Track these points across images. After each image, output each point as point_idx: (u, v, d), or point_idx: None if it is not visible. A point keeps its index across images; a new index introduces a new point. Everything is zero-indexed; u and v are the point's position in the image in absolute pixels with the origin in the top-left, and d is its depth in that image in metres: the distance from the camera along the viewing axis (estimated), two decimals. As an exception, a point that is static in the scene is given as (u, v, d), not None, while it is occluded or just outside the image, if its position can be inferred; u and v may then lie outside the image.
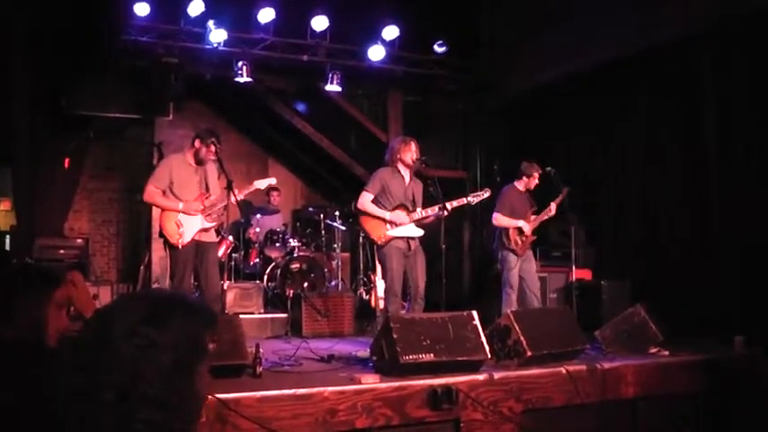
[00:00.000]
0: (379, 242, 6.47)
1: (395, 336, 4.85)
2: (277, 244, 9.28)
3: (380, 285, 7.35)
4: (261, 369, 4.89)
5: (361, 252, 9.41)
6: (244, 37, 8.93)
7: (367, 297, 8.77)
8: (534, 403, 5.11)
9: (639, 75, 8.34)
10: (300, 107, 10.93)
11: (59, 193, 9.68)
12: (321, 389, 4.46)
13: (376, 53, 9.35)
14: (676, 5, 7.64)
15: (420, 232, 6.53)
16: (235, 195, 6.22)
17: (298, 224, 10.22)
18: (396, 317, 5.29)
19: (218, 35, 8.53)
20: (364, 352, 5.69)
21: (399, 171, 6.58)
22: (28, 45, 7.78)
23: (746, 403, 5.93)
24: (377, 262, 7.56)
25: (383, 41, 9.36)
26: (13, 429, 2.19)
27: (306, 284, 8.62)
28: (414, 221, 6.47)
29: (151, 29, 8.56)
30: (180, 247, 6.15)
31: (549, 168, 7.51)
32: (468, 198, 6.73)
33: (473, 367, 5.07)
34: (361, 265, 9.42)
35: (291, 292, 8.17)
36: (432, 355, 4.90)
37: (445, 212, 6.40)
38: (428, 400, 4.68)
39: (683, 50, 7.80)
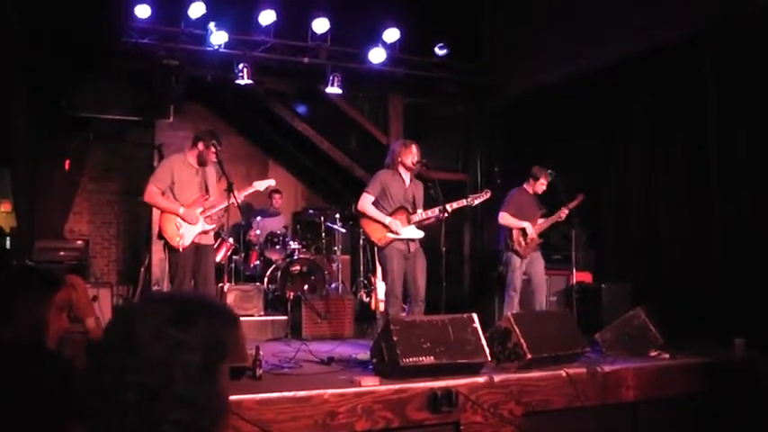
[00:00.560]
0: (379, 244, 6.47)
1: (395, 338, 4.84)
2: (277, 246, 9.28)
3: (381, 288, 7.35)
4: (261, 371, 4.89)
5: (361, 254, 9.41)
6: (244, 39, 8.93)
7: (367, 299, 8.76)
8: (534, 406, 5.11)
9: (641, 76, 8.33)
10: (301, 109, 10.94)
11: (59, 195, 9.68)
12: (321, 391, 4.45)
13: (377, 55, 9.35)
14: (678, 6, 7.64)
15: (420, 234, 6.52)
16: (235, 197, 6.20)
17: (298, 226, 10.22)
18: (396, 319, 5.29)
19: (218, 37, 8.53)
20: (364, 354, 5.69)
21: (400, 173, 6.58)
22: (28, 46, 7.78)
23: (746, 406, 5.92)
24: (377, 264, 7.55)
25: (384, 44, 9.36)
26: (13, 428, 2.19)
27: (306, 287, 8.62)
28: (414, 223, 6.47)
29: (152, 31, 8.56)
30: (181, 249, 6.14)
31: (549, 171, 7.51)
32: (468, 199, 6.72)
33: (473, 370, 5.07)
34: (362, 267, 9.41)
35: (292, 294, 8.18)
36: (432, 357, 4.90)
37: (445, 214, 6.40)
38: (428, 402, 4.68)
39: (684, 51, 7.79)
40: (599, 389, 5.35)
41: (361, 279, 9.29)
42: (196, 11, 8.46)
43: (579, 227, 7.64)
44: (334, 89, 9.39)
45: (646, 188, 8.42)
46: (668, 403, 5.68)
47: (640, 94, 8.48)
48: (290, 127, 10.64)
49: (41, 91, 8.53)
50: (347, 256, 10.06)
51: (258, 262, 9.40)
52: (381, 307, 7.31)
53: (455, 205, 6.52)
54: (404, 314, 6.45)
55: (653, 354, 6.09)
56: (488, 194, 6.83)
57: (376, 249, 6.78)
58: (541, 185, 7.52)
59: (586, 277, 8.23)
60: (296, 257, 8.97)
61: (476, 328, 5.21)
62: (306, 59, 9.24)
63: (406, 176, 6.60)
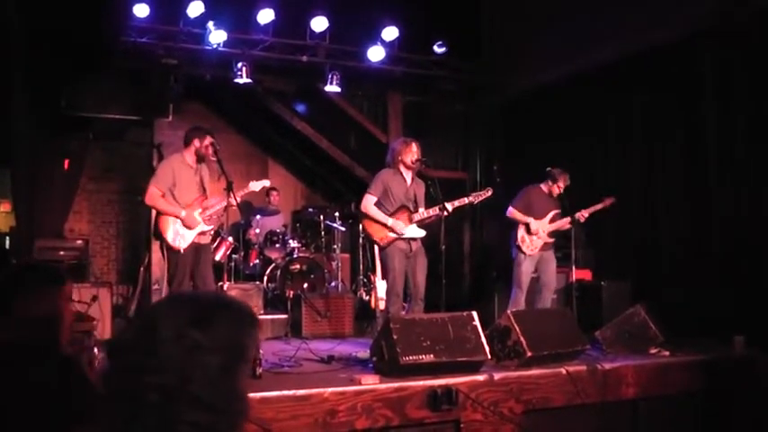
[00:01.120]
0: (381, 243, 6.48)
1: (395, 336, 4.85)
2: (277, 245, 9.28)
3: (380, 286, 7.35)
4: (261, 370, 4.89)
5: (360, 253, 9.41)
6: (243, 38, 8.93)
7: (367, 298, 8.76)
8: (534, 404, 5.11)
9: (640, 75, 8.33)
10: (300, 108, 10.93)
11: (59, 195, 9.68)
12: (321, 390, 4.46)
13: (375, 54, 9.35)
14: (677, 5, 7.64)
15: (422, 233, 6.52)
16: (234, 197, 6.20)
17: (298, 225, 10.22)
18: (396, 317, 5.29)
19: (217, 36, 8.53)
20: (364, 353, 5.69)
21: (401, 172, 6.58)
22: (28, 46, 7.78)
23: (746, 403, 5.93)
24: (377, 263, 7.56)
25: (383, 42, 9.36)
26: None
27: (306, 285, 8.61)
28: (415, 222, 6.47)
29: (151, 30, 8.56)
30: (181, 251, 6.15)
31: (549, 169, 7.50)
32: (470, 197, 6.71)
33: (473, 368, 5.07)
34: (361, 265, 9.42)
35: (291, 292, 8.17)
36: (432, 355, 4.90)
37: (446, 213, 6.40)
38: (428, 400, 4.68)
39: (683, 50, 7.79)
40: (599, 386, 5.35)
41: (361, 277, 9.29)
42: (195, 10, 8.46)
43: (579, 224, 7.63)
44: (332, 88, 9.39)
45: (645, 186, 8.42)
46: (668, 401, 5.69)
47: (639, 93, 8.48)
48: (289, 126, 10.63)
49: (41, 91, 8.53)
50: (347, 255, 10.05)
51: (258, 261, 9.39)
52: (381, 305, 7.31)
53: (457, 203, 6.51)
54: (403, 312, 6.45)
55: (653, 351, 6.09)
56: (490, 192, 6.80)
57: (377, 248, 6.78)
58: (559, 188, 7.45)
59: (586, 275, 8.23)
60: (295, 256, 8.97)
61: (475, 326, 5.21)
62: (304, 58, 9.24)
63: (407, 175, 6.59)
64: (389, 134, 10.27)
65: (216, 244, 8.18)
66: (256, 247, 9.43)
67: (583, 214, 7.38)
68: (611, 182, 8.76)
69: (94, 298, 7.15)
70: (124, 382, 1.28)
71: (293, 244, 9.13)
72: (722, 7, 7.26)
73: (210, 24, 8.50)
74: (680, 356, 5.96)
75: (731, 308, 6.90)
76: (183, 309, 1.33)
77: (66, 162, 9.81)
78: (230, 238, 8.82)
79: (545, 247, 7.42)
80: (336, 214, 9.51)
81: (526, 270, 7.35)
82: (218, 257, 8.30)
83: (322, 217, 9.67)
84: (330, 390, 4.48)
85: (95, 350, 5.37)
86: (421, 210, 6.52)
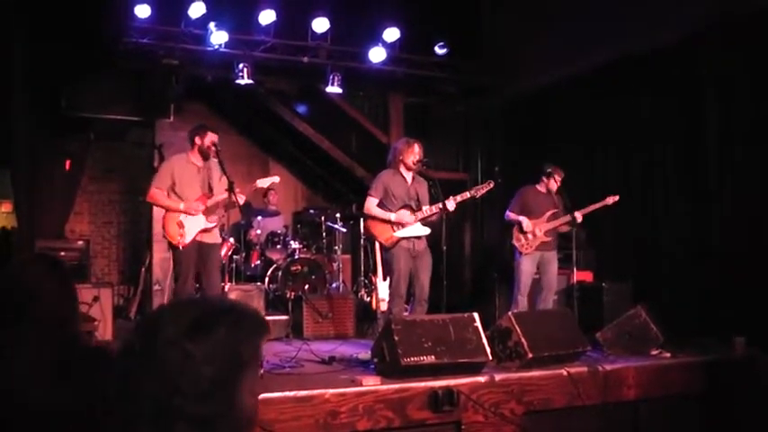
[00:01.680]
0: (386, 244, 6.47)
1: (396, 338, 4.85)
2: (278, 246, 9.29)
3: (381, 287, 7.35)
4: (262, 371, 4.89)
5: (362, 254, 9.41)
6: (245, 39, 8.92)
7: (368, 299, 8.76)
8: (535, 405, 5.12)
9: (641, 76, 8.34)
10: (301, 109, 10.94)
11: (60, 195, 9.68)
12: (322, 391, 4.46)
13: (377, 55, 9.35)
14: (678, 7, 7.64)
15: (426, 231, 6.51)
16: (236, 197, 6.20)
17: (299, 226, 10.22)
18: (397, 319, 5.30)
19: (218, 37, 8.53)
20: (365, 354, 5.69)
21: (401, 172, 6.58)
22: (28, 46, 7.78)
23: (747, 404, 5.93)
24: (378, 264, 7.55)
25: (384, 43, 9.35)
26: None
27: (307, 286, 8.61)
28: (419, 220, 6.46)
29: (152, 31, 8.56)
30: (180, 247, 6.17)
31: (542, 167, 7.49)
32: (472, 191, 6.68)
33: (474, 369, 5.07)
34: (363, 266, 9.41)
35: (292, 293, 8.18)
36: (433, 356, 4.90)
37: (449, 208, 6.38)
38: (429, 402, 4.69)
39: (684, 52, 7.80)
40: (600, 388, 5.36)
41: (362, 278, 9.29)
42: (196, 10, 8.46)
43: (580, 226, 7.63)
44: (334, 89, 9.39)
45: (646, 187, 8.42)
46: (669, 402, 5.69)
47: (640, 94, 8.47)
48: (291, 126, 10.64)
49: (42, 91, 8.54)
50: (348, 256, 10.06)
51: (259, 262, 9.40)
52: (382, 306, 7.31)
53: (459, 198, 6.49)
54: (406, 313, 6.46)
55: (654, 352, 6.09)
56: (491, 185, 6.75)
57: (381, 249, 6.78)
58: (555, 183, 7.42)
59: (587, 276, 8.23)
60: (297, 257, 8.97)
61: (477, 327, 5.22)
62: (306, 59, 9.24)
63: (408, 175, 6.59)
64: (390, 135, 10.27)
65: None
66: (257, 248, 9.44)
67: (579, 214, 7.35)
68: (612, 183, 8.75)
69: (95, 298, 7.16)
70: (124, 388, 1.28)
71: (294, 245, 9.14)
72: (723, 8, 7.26)
73: (212, 25, 8.50)
74: (681, 357, 5.97)
75: (731, 309, 6.90)
76: (182, 316, 1.30)
77: (67, 162, 9.82)
78: (231, 239, 8.82)
79: (545, 246, 7.37)
80: (337, 215, 9.51)
81: (526, 270, 7.31)
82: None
83: (323, 218, 9.67)
84: (331, 391, 4.48)
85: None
86: (425, 207, 6.51)
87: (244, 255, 9.28)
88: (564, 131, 9.31)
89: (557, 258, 7.49)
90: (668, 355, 6.02)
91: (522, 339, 5.27)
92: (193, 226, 6.23)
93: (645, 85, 8.36)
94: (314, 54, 9.29)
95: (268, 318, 7.97)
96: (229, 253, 8.73)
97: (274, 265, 9.02)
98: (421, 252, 6.49)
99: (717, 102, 7.56)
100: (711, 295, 7.20)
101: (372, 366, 5.20)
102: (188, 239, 6.19)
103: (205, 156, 6.34)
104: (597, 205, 7.38)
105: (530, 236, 7.30)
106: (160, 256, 10.34)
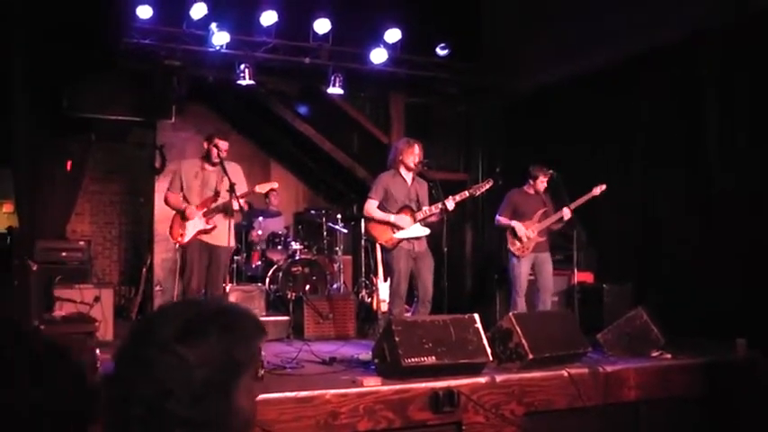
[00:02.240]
0: (387, 245, 6.48)
1: (397, 338, 4.85)
2: (279, 247, 9.29)
3: (382, 288, 7.36)
4: (263, 372, 4.90)
5: (363, 255, 9.41)
6: (246, 40, 8.93)
7: (369, 300, 8.75)
8: (536, 406, 5.11)
9: (641, 76, 8.34)
10: (302, 110, 10.94)
11: (61, 196, 9.68)
12: (323, 391, 4.47)
13: (378, 56, 9.35)
14: (678, 7, 7.64)
15: (426, 231, 6.52)
16: (237, 199, 6.27)
17: (300, 227, 10.22)
18: (398, 320, 5.30)
19: (220, 38, 8.53)
20: (366, 355, 5.69)
21: (400, 173, 6.58)
22: (29, 47, 7.79)
23: (748, 406, 5.93)
24: (379, 264, 7.55)
25: (385, 44, 9.35)
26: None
27: (308, 287, 8.61)
28: (419, 221, 6.47)
29: (153, 31, 8.56)
30: (178, 245, 6.52)
31: (551, 172, 7.50)
32: (471, 190, 6.69)
33: (475, 370, 5.07)
34: (363, 267, 9.41)
35: (293, 294, 8.18)
36: (433, 357, 4.90)
37: (449, 208, 6.38)
38: (430, 402, 4.69)
39: (684, 51, 7.80)
40: (601, 389, 5.35)
41: (363, 279, 9.29)
42: (198, 11, 8.46)
43: (580, 227, 7.64)
44: (335, 89, 9.39)
45: (646, 188, 8.42)
46: (670, 403, 5.69)
47: (640, 94, 8.48)
48: (292, 127, 10.64)
49: (43, 91, 8.54)
50: (349, 257, 10.05)
51: (260, 262, 9.40)
52: (383, 307, 7.30)
53: (458, 198, 6.50)
54: (408, 314, 6.46)
55: (654, 354, 6.09)
56: (490, 183, 6.77)
57: (382, 250, 6.78)
58: (541, 183, 7.46)
59: (588, 277, 8.23)
60: (297, 258, 8.97)
61: (477, 328, 5.22)
62: (307, 60, 9.24)
63: (408, 176, 6.60)
64: (391, 136, 10.26)
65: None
66: (258, 248, 9.44)
67: (566, 212, 7.34)
68: (612, 184, 8.75)
69: (96, 299, 7.16)
70: (116, 391, 1.27)
71: (295, 246, 9.13)
72: (723, 8, 7.26)
73: (213, 26, 8.50)
74: (681, 359, 5.96)
75: (733, 310, 6.89)
76: (176, 319, 1.29)
77: (69, 163, 9.81)
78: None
79: (538, 247, 7.37)
80: (338, 216, 9.52)
81: (522, 273, 7.33)
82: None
83: (324, 219, 9.67)
84: (332, 391, 4.49)
85: (97, 351, 5.39)
86: (424, 208, 6.51)
87: (245, 255, 9.30)
88: (564, 131, 9.30)
89: (550, 258, 7.49)
90: (669, 356, 6.02)
91: (523, 340, 5.27)
92: (192, 227, 6.46)
93: (645, 84, 8.36)
94: (315, 55, 9.29)
95: (269, 318, 8.00)
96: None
97: (275, 266, 9.02)
98: (421, 253, 6.49)
99: (717, 102, 7.56)
100: (712, 297, 7.20)
101: (373, 367, 5.20)
102: (186, 239, 6.44)
103: (208, 161, 6.52)
104: (585, 197, 7.38)
105: (524, 239, 7.31)
106: (161, 256, 10.35)
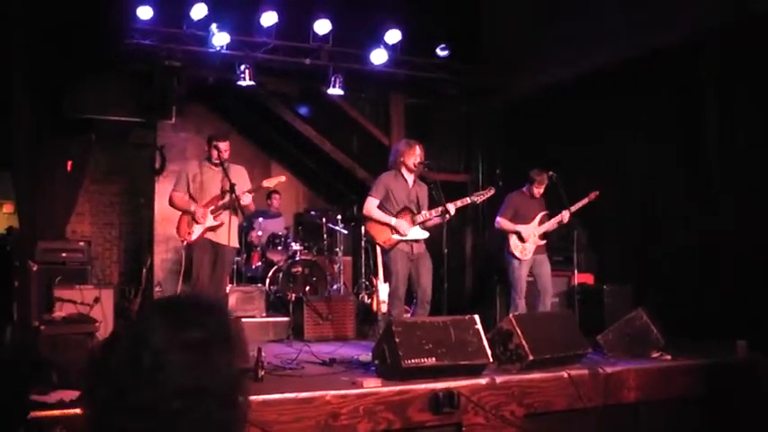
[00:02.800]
0: (385, 246, 6.48)
1: (397, 339, 4.85)
2: (279, 247, 9.29)
3: (382, 289, 7.35)
4: (263, 372, 4.90)
5: (363, 256, 9.41)
6: (246, 40, 8.93)
7: (369, 301, 8.75)
8: (536, 407, 5.11)
9: (642, 78, 8.33)
10: (303, 110, 10.94)
11: (61, 196, 9.66)
12: (323, 392, 4.46)
13: (378, 57, 9.35)
14: (679, 8, 7.65)
15: (425, 234, 6.52)
16: (238, 199, 6.31)
17: (300, 228, 10.22)
18: (398, 321, 5.29)
19: (220, 39, 8.53)
20: (366, 356, 5.69)
21: (402, 174, 6.58)
22: (29, 47, 7.78)
23: (748, 407, 5.92)
24: (379, 265, 7.55)
25: (386, 45, 9.36)
26: None
27: (308, 288, 8.62)
28: (418, 224, 6.47)
29: (154, 32, 8.57)
30: (185, 242, 6.53)
31: (550, 173, 7.50)
32: (472, 197, 6.70)
33: (475, 371, 5.07)
34: (363, 268, 9.41)
35: (293, 295, 8.18)
36: (434, 359, 4.90)
37: (448, 215, 6.39)
38: (430, 404, 4.68)
39: (685, 53, 7.80)
40: (601, 390, 5.35)
41: (363, 280, 9.29)
42: (198, 12, 8.47)
43: (581, 228, 7.64)
44: (335, 90, 9.39)
45: (647, 189, 8.42)
46: (670, 405, 5.69)
47: (641, 95, 8.47)
48: (292, 128, 10.64)
49: (43, 92, 8.53)
50: (349, 258, 10.05)
51: (260, 263, 9.40)
52: (383, 308, 7.31)
53: (459, 204, 6.51)
54: (407, 315, 6.45)
55: (654, 355, 6.09)
56: (492, 191, 6.79)
57: (381, 251, 6.79)
58: (539, 187, 7.49)
59: (588, 279, 8.24)
60: (297, 259, 8.97)
61: (477, 329, 5.22)
62: (307, 61, 9.24)
63: (409, 178, 6.60)
64: (392, 137, 10.27)
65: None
66: (258, 249, 9.44)
67: (565, 215, 7.35)
68: (613, 184, 8.76)
69: (97, 299, 7.16)
70: (90, 386, 1.28)
71: (295, 247, 9.14)
72: (723, 11, 7.26)
73: (214, 27, 8.50)
74: (681, 360, 5.96)
75: (733, 312, 6.89)
76: (163, 317, 1.30)
77: (69, 164, 9.80)
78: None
79: (537, 250, 7.44)
80: (338, 217, 9.52)
81: (522, 275, 7.39)
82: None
83: (324, 219, 9.67)
84: (332, 392, 4.48)
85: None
86: (424, 211, 6.51)
87: (245, 256, 9.30)
88: (564, 132, 9.31)
89: (548, 260, 7.52)
90: (669, 357, 6.02)
91: (523, 342, 5.27)
92: (200, 225, 6.51)
93: (645, 86, 8.35)
94: (315, 56, 9.30)
95: (269, 319, 8.01)
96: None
97: (275, 267, 9.03)
98: (420, 255, 6.49)
99: (717, 102, 7.56)
100: (713, 298, 7.20)
101: (373, 368, 5.20)
102: (194, 237, 6.49)
103: (214, 163, 6.57)
104: (581, 203, 7.41)
105: (528, 243, 7.34)
106: (161, 257, 10.35)
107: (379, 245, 6.61)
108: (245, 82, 8.88)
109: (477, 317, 5.30)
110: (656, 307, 6.60)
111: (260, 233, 9.42)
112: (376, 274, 7.88)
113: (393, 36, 9.35)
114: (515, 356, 5.30)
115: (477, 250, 10.82)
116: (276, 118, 10.66)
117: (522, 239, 7.36)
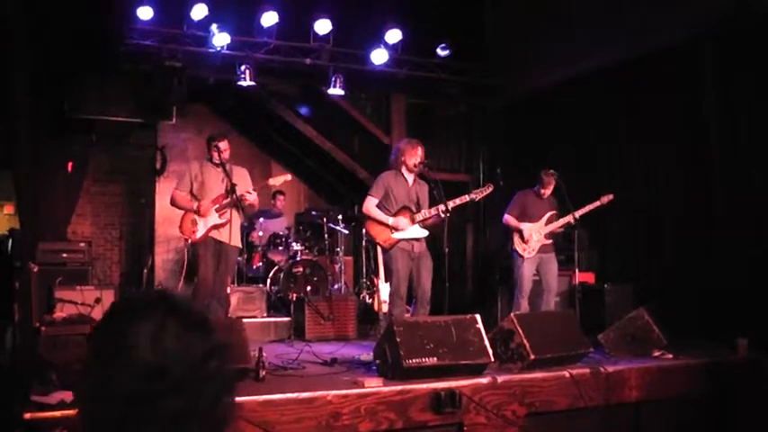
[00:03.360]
0: (385, 245, 6.48)
1: (398, 339, 4.85)
2: (280, 247, 9.29)
3: (383, 289, 7.35)
4: (264, 373, 4.90)
5: (364, 255, 9.41)
6: (247, 41, 8.94)
7: (370, 300, 8.76)
8: (538, 407, 5.11)
9: (642, 77, 8.33)
10: (303, 110, 10.94)
11: (62, 197, 9.67)
12: (324, 392, 4.46)
13: (379, 57, 9.35)
14: (679, 8, 7.64)
15: (425, 233, 6.51)
16: (238, 198, 6.31)
17: (301, 228, 10.22)
18: (399, 320, 5.29)
19: (221, 39, 8.54)
20: (367, 355, 5.68)
21: (402, 174, 6.57)
22: (30, 48, 7.78)
23: (750, 406, 5.92)
24: (380, 265, 7.55)
25: (386, 45, 9.36)
26: None
27: (309, 288, 8.62)
28: (417, 223, 6.46)
29: (154, 33, 8.57)
30: (189, 241, 6.57)
31: (551, 171, 7.49)
32: (471, 195, 6.69)
33: (476, 371, 5.07)
34: (364, 268, 9.41)
35: (294, 295, 8.18)
36: (435, 358, 4.90)
37: (447, 214, 6.38)
38: (431, 403, 4.68)
39: (685, 52, 7.80)
40: (602, 389, 5.35)
41: (364, 280, 9.29)
42: (198, 12, 8.47)
43: (582, 227, 7.63)
44: (336, 90, 9.39)
45: (648, 188, 8.41)
46: (671, 404, 5.68)
47: (642, 96, 8.47)
48: (293, 128, 10.65)
49: (44, 93, 8.54)
50: (350, 258, 10.05)
51: (261, 263, 9.40)
52: (384, 308, 7.30)
53: (458, 201, 6.50)
54: (408, 315, 6.44)
55: (656, 354, 6.08)
56: (490, 188, 6.77)
57: (381, 251, 6.78)
58: (546, 189, 7.47)
59: (589, 278, 8.23)
60: (299, 259, 8.97)
61: (479, 328, 5.21)
62: (308, 61, 9.24)
63: (409, 177, 6.59)
64: (392, 136, 10.27)
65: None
66: (259, 249, 9.44)
67: (574, 215, 7.34)
68: (614, 183, 8.75)
69: (98, 300, 7.16)
70: (100, 387, 1.28)
71: (296, 247, 9.14)
72: (724, 11, 7.26)
73: (214, 27, 8.51)
74: (683, 359, 5.95)
75: (734, 311, 6.89)
76: (148, 313, 1.27)
77: (70, 164, 9.80)
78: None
79: (544, 249, 7.42)
80: (339, 217, 9.51)
81: (526, 273, 7.36)
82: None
83: (325, 220, 9.66)
84: (333, 392, 4.48)
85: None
86: (423, 210, 6.51)
87: (246, 256, 9.29)
88: (566, 132, 9.31)
89: (556, 260, 7.51)
90: (670, 356, 6.01)
91: (525, 341, 5.26)
92: (205, 222, 6.54)
93: (646, 85, 8.35)
94: (316, 56, 9.30)
95: (270, 319, 8.01)
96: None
97: (276, 267, 9.03)
98: (421, 254, 6.48)
99: (718, 103, 7.56)
100: (714, 297, 7.19)
101: (374, 368, 5.20)
102: (199, 235, 6.51)
103: (215, 163, 6.61)
104: (592, 205, 7.40)
105: (531, 241, 7.34)
106: (162, 257, 10.35)
107: (380, 244, 6.60)
108: (246, 82, 8.89)
109: (478, 316, 5.30)
110: (658, 306, 6.59)
111: (261, 233, 9.42)
112: (377, 274, 7.88)
113: (393, 36, 9.36)
114: (517, 356, 5.30)
115: (478, 249, 10.82)
116: (277, 118, 10.67)
117: (522, 237, 7.36)
